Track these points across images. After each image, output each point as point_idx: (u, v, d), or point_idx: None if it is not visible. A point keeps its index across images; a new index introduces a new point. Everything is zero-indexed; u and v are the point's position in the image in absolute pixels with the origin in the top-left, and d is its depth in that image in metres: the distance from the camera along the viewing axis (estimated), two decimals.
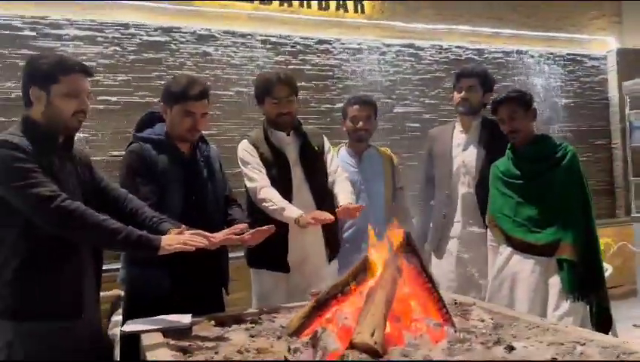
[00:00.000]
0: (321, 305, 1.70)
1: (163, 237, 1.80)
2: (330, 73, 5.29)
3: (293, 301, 2.36)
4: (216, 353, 1.55)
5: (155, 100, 4.65)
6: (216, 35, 4.91)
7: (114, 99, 4.56)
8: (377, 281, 1.60)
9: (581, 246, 2.37)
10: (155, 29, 4.72)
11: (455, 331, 1.57)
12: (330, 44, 5.32)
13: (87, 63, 4.47)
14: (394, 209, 3.01)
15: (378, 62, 5.48)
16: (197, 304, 2.08)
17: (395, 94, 5.52)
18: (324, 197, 2.65)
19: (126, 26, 4.64)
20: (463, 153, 2.95)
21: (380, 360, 1.37)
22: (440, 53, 5.73)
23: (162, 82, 4.66)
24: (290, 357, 1.43)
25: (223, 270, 2.43)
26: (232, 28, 4.95)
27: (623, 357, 1.35)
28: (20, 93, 4.24)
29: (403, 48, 5.59)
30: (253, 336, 1.74)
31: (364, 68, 5.41)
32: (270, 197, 2.48)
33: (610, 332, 2.45)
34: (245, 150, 2.66)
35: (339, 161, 2.85)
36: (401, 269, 1.64)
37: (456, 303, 2.05)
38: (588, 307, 2.46)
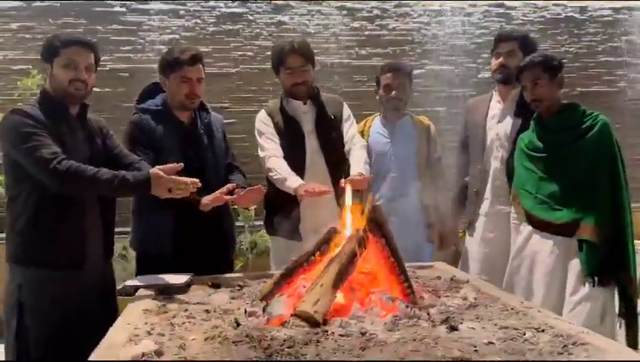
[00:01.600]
0: (289, 273, 1.77)
1: (152, 175, 1.92)
2: (409, 38, 5.21)
3: None
4: (185, 310, 1.69)
5: (233, 71, 4.93)
6: (292, 3, 5.04)
7: None
8: (336, 253, 1.63)
9: (605, 228, 2.16)
10: (233, 1, 4.90)
11: (407, 306, 1.56)
12: (410, 6, 5.20)
13: (170, 36, 4.89)
14: (429, 179, 2.91)
15: (462, 23, 5.26)
16: (204, 265, 2.23)
17: (481, 58, 5.26)
18: (340, 167, 2.65)
19: None
20: (498, 125, 2.76)
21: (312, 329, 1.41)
22: (534, 12, 5.37)
23: (240, 53, 4.93)
24: (242, 320, 1.51)
25: (227, 233, 2.55)
26: None
27: (571, 348, 1.27)
28: (115, 66, 4.68)
29: (491, 8, 5.33)
30: (233, 299, 1.86)
31: (446, 31, 5.21)
32: (276, 166, 2.57)
33: (632, 327, 2.22)
34: (261, 120, 2.75)
35: (356, 130, 2.79)
36: (364, 243, 1.64)
37: (452, 279, 2.00)
38: (616, 294, 2.24)
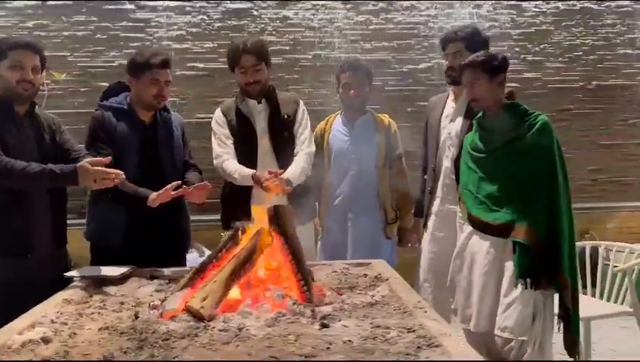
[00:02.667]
0: (201, 269, 1.85)
1: (78, 167, 2.06)
2: (415, 31, 5.16)
3: None
4: (102, 301, 1.81)
5: None
6: None
7: (201, 65, 5.00)
8: (239, 251, 1.70)
9: (538, 231, 2.12)
10: None
11: (294, 303, 1.61)
12: None
13: (177, 32, 5.04)
14: (389, 176, 2.92)
15: (470, 16, 5.14)
16: (158, 260, 2.35)
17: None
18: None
19: None
20: (450, 125, 2.75)
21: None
22: (547, 3, 5.20)
23: None
24: (142, 313, 1.61)
25: (182, 229, 2.65)
26: None
27: (424, 350, 1.30)
28: (124, 62, 4.89)
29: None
30: (156, 291, 1.97)
31: (453, 23, 5.11)
32: (230, 170, 2.64)
33: (569, 330, 2.19)
34: (215, 119, 2.85)
35: (308, 135, 2.82)
36: (264, 242, 1.71)
37: (376, 277, 2.03)
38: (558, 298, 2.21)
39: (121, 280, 2.14)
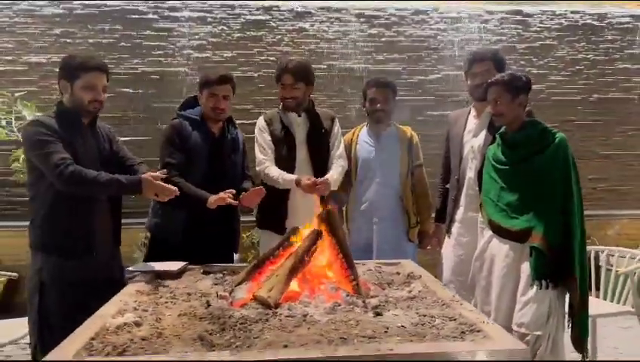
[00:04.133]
0: (259, 265, 2.10)
1: (143, 179, 2.33)
2: (425, 44, 5.45)
3: None
4: (171, 292, 2.05)
5: (255, 75, 5.31)
6: (313, 11, 5.33)
7: None
8: (296, 251, 1.95)
9: (553, 237, 2.38)
10: (257, 9, 5.26)
11: (348, 295, 1.86)
12: (427, 14, 5.42)
13: (198, 42, 5.30)
14: (411, 184, 3.19)
15: (479, 30, 5.44)
16: (209, 258, 2.60)
17: None
18: (325, 174, 2.97)
19: (232, 6, 5.26)
20: (473, 139, 3.01)
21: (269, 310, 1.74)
22: (552, 19, 5.51)
23: (262, 58, 5.29)
24: (212, 301, 1.85)
25: (234, 230, 2.92)
26: (328, 3, 5.26)
27: (466, 334, 1.55)
28: (147, 70, 5.11)
29: (508, 15, 5.50)
30: (215, 284, 2.21)
31: (462, 37, 5.41)
32: (273, 175, 2.91)
33: (576, 328, 2.45)
34: (259, 127, 3.11)
35: (343, 148, 3.12)
36: (317, 242, 1.96)
37: (408, 275, 2.28)
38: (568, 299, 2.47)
39: (177, 275, 2.38)
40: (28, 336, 2.50)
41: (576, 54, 5.52)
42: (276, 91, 5.19)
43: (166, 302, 1.95)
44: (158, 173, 2.36)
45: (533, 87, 5.31)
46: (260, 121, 3.13)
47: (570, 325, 2.50)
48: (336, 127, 3.16)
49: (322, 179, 2.82)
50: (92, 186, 2.30)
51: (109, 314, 1.79)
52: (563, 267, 2.40)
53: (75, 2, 5.07)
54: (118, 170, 2.44)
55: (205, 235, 2.74)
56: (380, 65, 5.39)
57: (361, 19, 5.40)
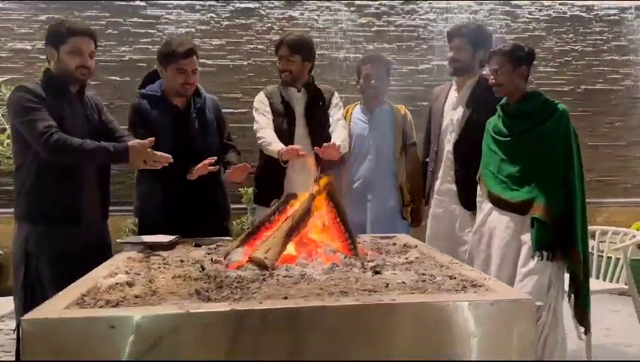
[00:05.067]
0: (254, 231, 2.05)
1: (130, 147, 2.27)
2: (415, 34, 5.42)
3: None
4: (163, 259, 1.99)
5: (245, 63, 5.26)
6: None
7: (209, 62, 5.17)
8: (292, 214, 1.91)
9: (555, 208, 2.37)
10: None
11: (346, 257, 1.83)
12: (417, 4, 5.41)
13: (187, 30, 5.23)
14: (404, 162, 3.18)
15: (467, 21, 5.39)
16: (201, 233, 2.55)
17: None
18: None
19: None
20: (452, 112, 3.04)
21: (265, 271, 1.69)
22: (540, 10, 5.53)
23: (252, 46, 5.24)
24: (207, 266, 1.80)
25: (219, 202, 2.85)
26: None
27: (468, 289, 1.52)
28: (134, 57, 5.01)
29: (497, 6, 5.53)
30: (208, 254, 2.16)
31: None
32: (264, 135, 2.89)
33: (580, 302, 2.44)
34: (259, 99, 3.09)
35: (341, 115, 3.09)
36: (313, 206, 1.92)
37: (404, 245, 2.25)
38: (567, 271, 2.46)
39: (169, 246, 2.32)
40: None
41: (565, 45, 5.56)
42: (265, 80, 5.26)
43: (159, 268, 1.90)
44: (145, 141, 2.30)
45: None
46: (260, 95, 3.12)
47: (573, 300, 2.48)
48: (336, 100, 3.13)
49: (328, 143, 2.77)
50: (77, 154, 2.24)
51: (101, 275, 1.73)
52: (564, 238, 2.39)
53: None
54: (106, 141, 2.37)
55: (190, 212, 2.68)
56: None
57: (352, 9, 5.38)
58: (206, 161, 2.58)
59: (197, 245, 2.39)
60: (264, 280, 1.65)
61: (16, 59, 4.95)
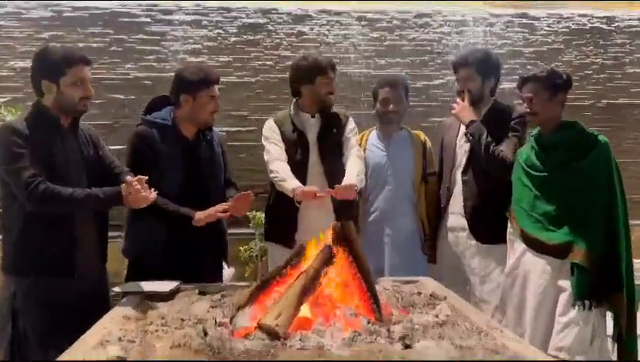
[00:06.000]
0: (263, 286, 1.82)
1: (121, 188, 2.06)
2: (429, 48, 5.19)
3: None
4: (162, 318, 1.76)
5: (253, 80, 5.04)
6: (312, 14, 5.09)
7: None
8: (307, 269, 1.67)
9: (597, 253, 2.12)
10: (255, 11, 5.01)
11: (369, 322, 1.59)
12: (431, 17, 5.17)
13: (193, 46, 5.04)
14: (423, 193, 2.93)
15: (484, 34, 5.20)
16: (196, 273, 2.31)
17: (504, 69, 5.14)
18: (338, 179, 2.71)
19: (228, 9, 5.00)
20: (466, 145, 2.79)
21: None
22: (559, 22, 5.27)
23: (260, 62, 5.02)
24: (210, 330, 1.57)
25: (221, 245, 2.63)
26: (328, 6, 5.02)
27: None
28: (139, 75, 4.83)
29: (514, 18, 5.25)
30: (212, 307, 1.93)
31: (467, 41, 5.18)
32: (277, 169, 2.67)
33: (623, 350, 2.18)
34: (269, 127, 2.86)
35: (355, 142, 2.86)
36: (331, 259, 1.68)
37: (431, 296, 2.01)
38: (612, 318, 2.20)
39: (169, 295, 2.10)
40: None
41: (585, 58, 5.30)
42: (274, 97, 5.04)
43: (156, 331, 1.67)
44: (135, 179, 2.07)
45: None
46: (270, 123, 2.89)
47: (617, 349, 2.22)
48: (351, 124, 2.90)
49: (344, 185, 2.53)
50: (65, 205, 2.03)
51: (90, 344, 1.50)
52: (608, 283, 2.14)
53: (63, 5, 4.80)
54: (104, 178, 2.15)
55: (188, 253, 2.45)
56: (382, 69, 5.12)
57: (363, 23, 5.15)
58: (219, 208, 2.35)
59: (201, 293, 2.16)
60: (275, 354, 1.42)
61: (17, 78, 4.74)
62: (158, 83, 4.90)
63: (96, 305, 2.18)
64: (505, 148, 2.62)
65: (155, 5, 4.92)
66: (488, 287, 2.67)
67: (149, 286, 2.13)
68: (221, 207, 2.35)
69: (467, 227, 2.75)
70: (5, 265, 2.11)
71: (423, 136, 3.08)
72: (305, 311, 1.63)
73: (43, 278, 2.06)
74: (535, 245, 2.29)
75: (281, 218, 2.72)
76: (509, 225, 2.51)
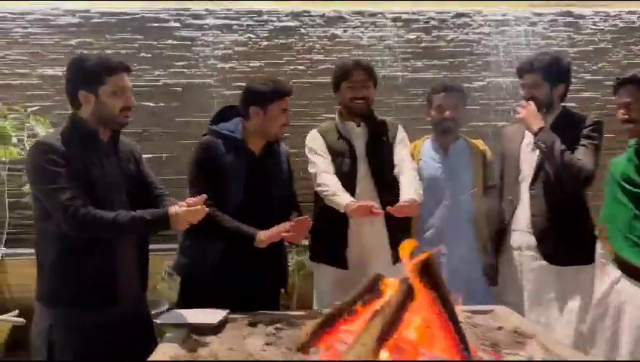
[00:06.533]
0: (327, 322, 1.59)
1: (170, 211, 1.86)
2: (468, 49, 4.93)
3: None
4: (213, 356, 1.56)
5: None
6: (345, 16, 4.87)
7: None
8: (381, 305, 1.43)
9: None
10: (287, 15, 4.80)
11: None
12: (470, 17, 4.92)
13: (223, 52, 4.84)
14: (484, 209, 2.66)
15: (526, 34, 4.91)
16: (251, 299, 2.12)
17: None
18: (390, 192, 2.47)
19: (259, 13, 4.80)
20: (532, 155, 2.52)
21: None
22: (605, 20, 4.97)
23: (292, 67, 4.80)
24: None
25: (281, 269, 2.42)
26: (362, 7, 4.78)
27: None
28: (168, 81, 4.66)
29: (558, 17, 4.97)
30: (268, 344, 1.70)
31: (508, 41, 4.91)
32: (326, 182, 2.44)
33: None
34: (313, 139, 2.64)
35: (408, 153, 2.60)
36: (412, 295, 1.44)
37: (516, 332, 1.75)
38: None
39: (217, 327, 1.87)
40: None
41: (634, 58, 4.98)
42: (307, 102, 4.82)
43: None
44: (194, 200, 1.86)
45: (586, 94, 4.82)
46: (313, 133, 2.66)
47: None
48: (401, 134, 2.66)
49: (404, 203, 2.28)
50: (109, 230, 1.82)
51: None
52: None
53: (92, 11, 4.63)
54: (143, 198, 1.94)
55: (246, 273, 2.23)
56: (419, 72, 4.89)
57: (398, 24, 4.90)
58: (282, 228, 2.13)
59: (252, 324, 1.93)
60: None
61: (46, 85, 4.60)
62: (188, 89, 4.73)
63: (136, 337, 1.97)
64: (582, 157, 2.35)
65: (185, 10, 4.74)
66: (562, 315, 2.39)
67: (193, 316, 1.91)
68: (284, 227, 2.13)
69: (535, 245, 2.48)
70: (40, 295, 1.91)
71: (482, 145, 2.81)
72: (383, 356, 1.40)
73: (81, 310, 1.85)
74: (632, 272, 2.02)
75: (329, 235, 2.49)
76: (598, 245, 2.24)
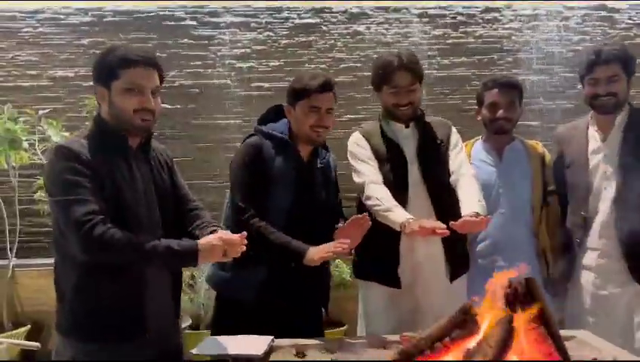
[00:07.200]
0: (407, 358, 1.30)
1: (200, 242, 1.57)
2: (498, 45, 4.66)
3: (404, 324, 1.97)
4: None
5: None
6: (369, 12, 4.62)
7: (266, 85, 4.51)
8: (479, 345, 1.15)
9: None
10: (307, 11, 4.55)
11: None
12: (499, 11, 4.66)
13: (241, 51, 4.56)
14: (545, 218, 2.38)
15: (558, 29, 4.64)
16: (293, 320, 1.85)
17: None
18: (445, 201, 2.18)
19: (279, 9, 4.54)
20: (605, 161, 2.24)
21: None
22: None
23: (313, 65, 4.53)
24: None
25: (324, 288, 2.15)
26: (386, 3, 4.52)
27: None
28: (184, 82, 4.41)
29: (591, 11, 4.69)
30: None
31: (539, 37, 4.64)
32: (378, 195, 2.14)
33: None
34: (356, 142, 2.34)
35: (465, 157, 2.31)
36: (512, 333, 1.16)
37: None
38: None
39: (262, 358, 1.60)
40: None
41: None
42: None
43: None
44: (240, 236, 1.60)
45: None
46: (356, 136, 2.37)
47: None
48: (455, 136, 2.37)
49: (469, 218, 1.99)
50: (128, 256, 1.54)
51: None
52: None
53: (105, 9, 4.38)
54: (175, 213, 1.67)
55: (294, 293, 1.97)
56: (446, 70, 4.62)
57: (424, 20, 4.63)
58: (337, 244, 1.87)
59: (299, 353, 1.66)
60: None
61: (57, 87, 4.36)
62: (205, 90, 4.47)
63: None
64: None
65: (202, 7, 4.48)
66: None
67: (234, 345, 1.64)
68: (340, 246, 1.86)
69: (618, 269, 2.18)
70: (61, 326, 1.63)
71: (540, 147, 2.52)
72: None
73: (106, 343, 1.58)
74: None
75: (378, 249, 2.20)
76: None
